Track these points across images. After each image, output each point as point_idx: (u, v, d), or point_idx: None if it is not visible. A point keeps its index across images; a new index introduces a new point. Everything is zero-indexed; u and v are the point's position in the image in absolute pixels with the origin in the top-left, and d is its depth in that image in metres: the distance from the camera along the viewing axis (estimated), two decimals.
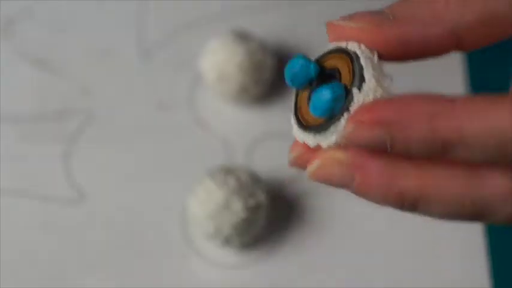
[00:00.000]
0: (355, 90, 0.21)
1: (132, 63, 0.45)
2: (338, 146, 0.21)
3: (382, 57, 0.22)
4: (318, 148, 0.21)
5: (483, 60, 0.44)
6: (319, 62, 0.22)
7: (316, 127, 0.21)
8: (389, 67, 0.24)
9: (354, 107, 0.20)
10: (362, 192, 0.21)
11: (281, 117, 0.41)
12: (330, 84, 0.21)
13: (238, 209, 0.36)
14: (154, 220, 0.40)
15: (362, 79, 0.21)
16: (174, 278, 0.38)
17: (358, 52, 0.21)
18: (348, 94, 0.21)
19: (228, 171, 0.37)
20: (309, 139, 0.21)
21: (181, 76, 0.45)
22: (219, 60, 0.41)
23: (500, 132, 0.19)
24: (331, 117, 0.21)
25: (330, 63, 0.22)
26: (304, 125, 0.22)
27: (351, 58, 0.21)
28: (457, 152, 0.20)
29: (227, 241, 0.37)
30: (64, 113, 0.44)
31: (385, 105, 0.20)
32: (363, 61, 0.21)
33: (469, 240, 0.39)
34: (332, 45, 0.22)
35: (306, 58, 0.22)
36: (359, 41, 0.22)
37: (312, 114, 0.21)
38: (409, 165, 0.21)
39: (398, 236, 0.39)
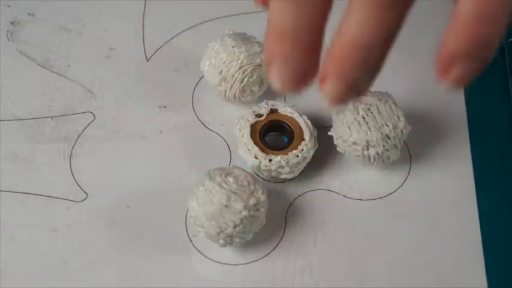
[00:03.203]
0: None
1: (136, 64, 0.46)
2: None
3: None
4: None
5: None
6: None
7: None
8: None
9: None
10: None
11: None
12: None
13: (238, 208, 0.36)
14: (156, 220, 0.40)
15: None
16: (176, 277, 0.38)
17: None
18: None
19: (227, 171, 0.37)
20: None
21: (184, 77, 0.45)
22: (221, 61, 0.41)
23: None
24: None
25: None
26: None
27: None
28: None
29: (228, 240, 0.37)
30: (69, 113, 0.44)
31: None
32: None
33: (467, 240, 0.39)
34: None
35: None
36: None
37: None
38: None
39: (397, 235, 0.39)
